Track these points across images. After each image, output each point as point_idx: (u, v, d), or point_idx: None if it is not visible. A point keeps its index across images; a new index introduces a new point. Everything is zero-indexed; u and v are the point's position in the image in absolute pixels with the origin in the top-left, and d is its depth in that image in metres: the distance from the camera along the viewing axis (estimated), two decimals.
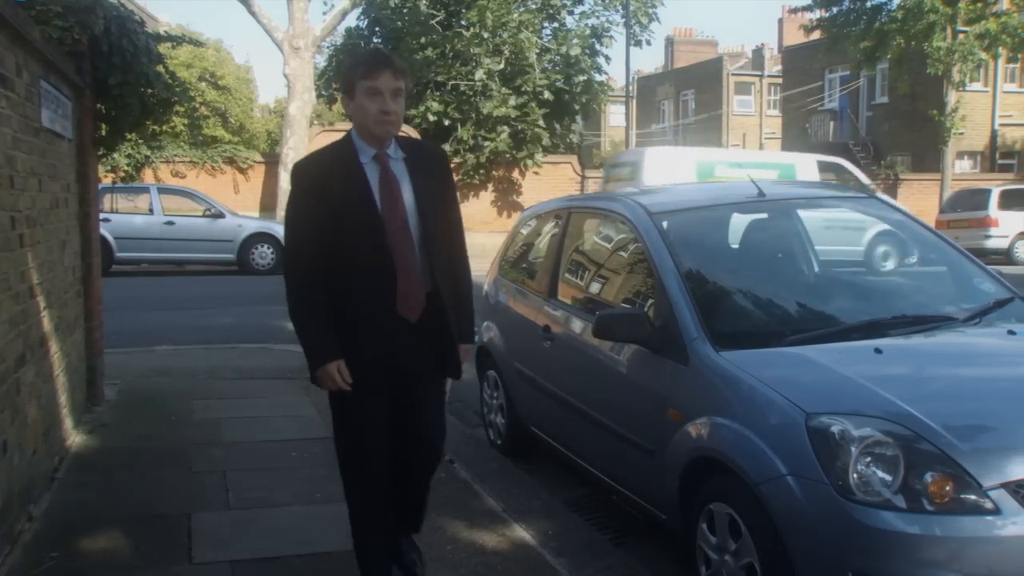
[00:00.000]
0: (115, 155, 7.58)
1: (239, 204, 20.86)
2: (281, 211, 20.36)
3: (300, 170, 3.10)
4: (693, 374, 3.45)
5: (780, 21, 44.98)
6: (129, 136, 6.87)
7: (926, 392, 3.14)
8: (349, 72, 3.08)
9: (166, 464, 5.00)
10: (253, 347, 8.88)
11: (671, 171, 13.57)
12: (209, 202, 17.56)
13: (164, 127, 8.39)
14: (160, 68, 6.18)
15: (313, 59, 22.68)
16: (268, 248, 17.17)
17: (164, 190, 17.83)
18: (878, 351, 3.34)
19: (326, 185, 3.02)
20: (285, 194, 20.51)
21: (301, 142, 20.85)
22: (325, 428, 4.73)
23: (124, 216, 16.40)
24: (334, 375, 3.02)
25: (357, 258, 3.03)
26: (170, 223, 16.79)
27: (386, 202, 3.05)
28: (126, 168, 11.64)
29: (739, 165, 13.36)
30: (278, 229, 17.55)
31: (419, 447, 3.30)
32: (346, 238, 3.02)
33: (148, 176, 19.77)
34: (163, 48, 6.66)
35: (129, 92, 5.93)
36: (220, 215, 17.21)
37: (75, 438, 5.40)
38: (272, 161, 22.38)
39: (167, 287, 15.02)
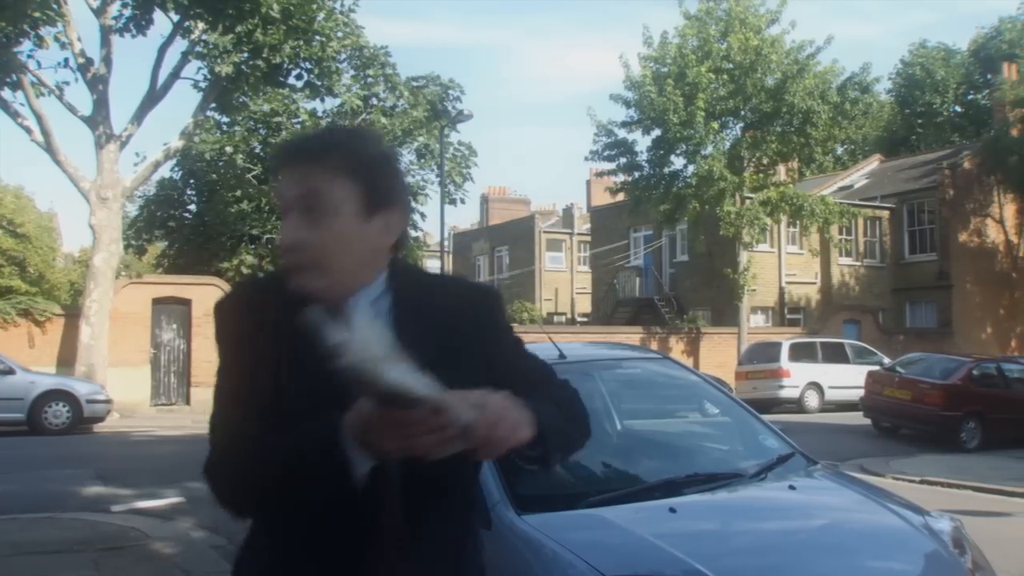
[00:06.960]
0: None
1: (34, 359, 19.53)
2: (82, 367, 19.23)
3: (220, 313, 1.66)
4: (497, 539, 3.44)
5: (588, 183, 47.66)
6: None
7: (718, 550, 3.27)
8: None
9: None
10: (37, 517, 8.12)
11: None
12: None
13: None
14: None
15: (122, 209, 22.05)
16: (63, 406, 16.07)
17: None
18: (672, 510, 3.46)
19: (258, 340, 1.58)
20: (86, 348, 19.52)
21: (105, 295, 19.99)
22: None
23: None
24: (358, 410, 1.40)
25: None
26: None
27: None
28: None
29: None
30: (76, 385, 16.57)
31: None
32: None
33: None
34: None
35: None
36: (10, 371, 16.07)
37: None
38: (73, 314, 21.22)
39: None
